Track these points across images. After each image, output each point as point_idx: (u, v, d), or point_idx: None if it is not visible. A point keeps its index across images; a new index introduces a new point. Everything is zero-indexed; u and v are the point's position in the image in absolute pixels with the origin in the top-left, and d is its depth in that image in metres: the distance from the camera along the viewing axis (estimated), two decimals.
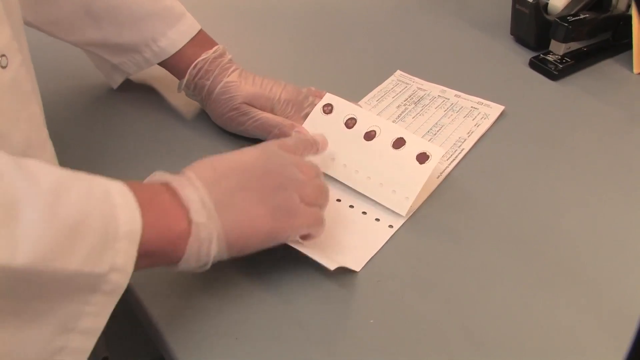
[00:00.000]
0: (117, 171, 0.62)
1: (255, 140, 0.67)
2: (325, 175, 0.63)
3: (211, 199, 0.47)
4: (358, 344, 0.49)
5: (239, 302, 0.51)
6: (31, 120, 0.50)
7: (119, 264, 0.41)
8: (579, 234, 0.60)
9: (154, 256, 0.44)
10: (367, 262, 0.56)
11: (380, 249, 0.57)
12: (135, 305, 0.53)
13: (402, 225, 0.59)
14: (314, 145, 0.60)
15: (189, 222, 0.46)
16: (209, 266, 0.48)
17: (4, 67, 0.46)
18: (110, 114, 0.73)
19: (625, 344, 0.48)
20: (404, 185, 0.61)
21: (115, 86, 0.75)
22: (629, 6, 0.86)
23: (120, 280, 0.41)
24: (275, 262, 0.54)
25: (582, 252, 0.58)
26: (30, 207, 0.37)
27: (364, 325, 0.50)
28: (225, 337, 0.49)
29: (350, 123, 0.65)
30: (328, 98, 0.67)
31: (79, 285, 0.39)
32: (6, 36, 0.46)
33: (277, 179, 0.52)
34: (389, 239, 0.58)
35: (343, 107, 0.66)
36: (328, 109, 0.67)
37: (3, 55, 0.46)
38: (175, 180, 0.48)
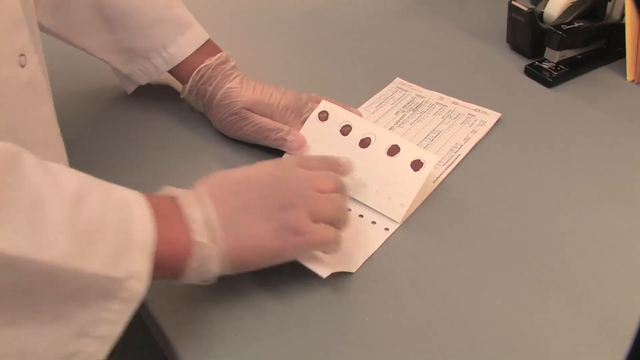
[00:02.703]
0: (120, 172, 0.66)
1: (255, 146, 0.69)
2: None
3: (217, 217, 0.49)
4: (355, 342, 0.51)
5: (240, 304, 0.53)
6: (44, 118, 0.52)
7: (136, 271, 0.42)
8: (573, 239, 0.62)
9: (160, 269, 0.45)
10: (364, 263, 0.57)
11: (376, 250, 0.59)
12: (141, 308, 0.55)
13: (398, 228, 0.61)
14: (338, 167, 0.59)
15: (191, 241, 0.47)
16: (212, 281, 0.49)
17: (22, 66, 0.48)
18: (119, 117, 0.76)
19: (621, 346, 0.50)
20: (399, 192, 0.62)
21: (129, 92, 0.78)
22: (622, 15, 0.88)
23: (138, 287, 0.43)
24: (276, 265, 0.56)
25: (576, 256, 0.60)
26: (54, 207, 0.39)
27: (360, 323, 0.52)
28: (227, 337, 0.51)
29: (345, 130, 0.67)
30: (323, 105, 0.69)
31: (98, 289, 0.41)
32: (25, 36, 0.48)
33: (286, 196, 0.52)
34: (390, 241, 0.60)
35: (338, 114, 0.68)
36: (324, 116, 0.69)
37: (22, 55, 0.48)
38: (182, 197, 0.49)
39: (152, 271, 0.44)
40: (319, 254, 0.54)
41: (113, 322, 0.43)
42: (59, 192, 0.40)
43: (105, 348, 0.43)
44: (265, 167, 0.54)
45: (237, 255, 0.49)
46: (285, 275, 0.55)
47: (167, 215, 0.48)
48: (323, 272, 0.53)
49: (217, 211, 0.49)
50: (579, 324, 0.53)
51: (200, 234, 0.48)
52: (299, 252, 0.52)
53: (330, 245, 0.54)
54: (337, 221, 0.54)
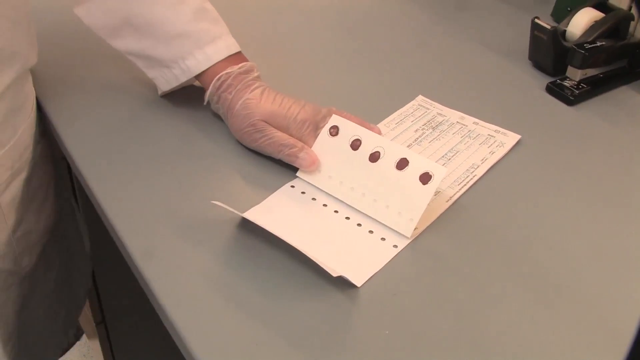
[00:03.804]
0: (142, 175, 0.70)
1: (273, 158, 0.72)
2: (334, 197, 0.68)
3: None
4: (376, 355, 0.53)
5: (258, 317, 0.56)
6: None
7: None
8: (591, 261, 0.63)
9: None
10: (383, 278, 0.59)
11: (388, 266, 0.61)
12: (159, 311, 0.58)
13: (408, 245, 0.63)
14: None
15: None
16: None
17: None
18: (146, 120, 0.79)
19: None
20: (408, 206, 0.64)
21: (160, 93, 0.82)
22: None
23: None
24: (292, 277, 0.59)
25: (596, 280, 0.61)
26: None
27: (380, 336, 0.54)
28: (245, 343, 0.53)
29: (355, 144, 0.69)
30: (334, 120, 0.71)
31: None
32: None
33: None
34: (397, 258, 0.62)
35: (348, 129, 0.70)
36: (334, 131, 0.71)
37: None
38: None
39: None
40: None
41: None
42: None
43: None
44: None
45: None
46: (301, 288, 0.58)
47: None
48: (333, 272, 0.55)
49: None
50: (591, 343, 0.55)
51: None
52: None
53: None
54: None
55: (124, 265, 0.76)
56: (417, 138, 0.78)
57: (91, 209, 1.01)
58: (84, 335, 1.56)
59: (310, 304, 0.57)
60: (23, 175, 0.79)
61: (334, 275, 0.56)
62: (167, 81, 0.78)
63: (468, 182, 0.72)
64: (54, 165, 0.90)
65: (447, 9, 1.09)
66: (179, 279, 0.59)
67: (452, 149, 0.77)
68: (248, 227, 0.64)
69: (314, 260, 0.57)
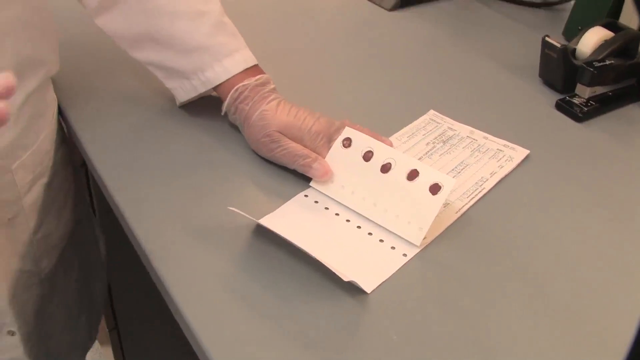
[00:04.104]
0: (157, 182, 0.72)
1: (288, 168, 0.74)
2: (346, 206, 0.70)
3: None
4: (376, 357, 0.55)
5: (267, 322, 0.58)
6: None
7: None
8: (595, 275, 0.64)
9: None
10: (393, 285, 0.61)
11: (397, 274, 0.63)
12: (177, 314, 0.60)
13: (417, 254, 0.65)
14: None
15: None
16: None
17: None
18: (163, 128, 0.82)
19: None
20: (418, 216, 0.66)
21: (178, 104, 0.84)
22: None
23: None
24: (304, 282, 0.61)
25: (601, 296, 0.62)
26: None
27: (384, 340, 0.56)
28: (258, 345, 0.55)
29: (367, 156, 0.71)
30: (347, 132, 0.73)
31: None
32: None
33: None
34: (406, 266, 0.64)
35: (361, 141, 0.72)
36: (347, 142, 0.73)
37: None
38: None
39: None
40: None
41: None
42: None
43: None
44: None
45: None
46: (313, 293, 0.60)
47: None
48: (345, 277, 0.58)
49: None
50: (593, 354, 0.56)
51: None
52: None
53: None
54: None
55: (138, 272, 0.78)
56: (428, 151, 0.80)
57: (107, 215, 1.04)
58: (96, 341, 1.58)
59: (321, 308, 0.59)
60: (44, 180, 0.81)
61: (345, 280, 0.58)
62: (185, 92, 0.80)
63: (477, 194, 0.73)
64: (73, 172, 0.93)
65: (460, 25, 1.12)
66: (196, 281, 0.61)
67: (461, 162, 0.79)
68: (262, 233, 0.66)
69: (326, 265, 0.59)
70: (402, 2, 1.14)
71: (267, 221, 0.66)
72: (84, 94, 0.87)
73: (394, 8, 1.14)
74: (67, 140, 0.89)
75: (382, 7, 1.14)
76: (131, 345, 1.34)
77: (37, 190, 0.80)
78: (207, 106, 0.83)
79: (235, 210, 0.64)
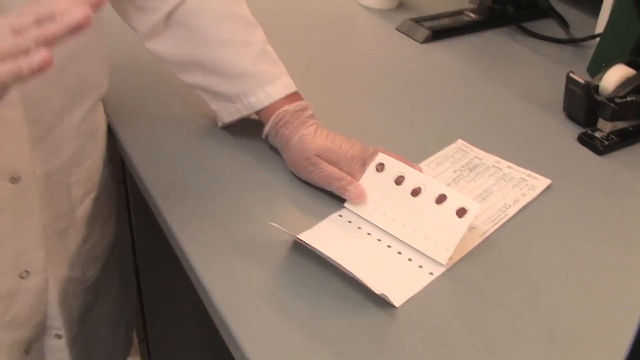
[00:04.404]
0: (198, 199, 0.78)
1: (324, 190, 0.79)
2: (378, 227, 0.75)
3: None
4: None
5: (307, 325, 0.62)
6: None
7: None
8: (612, 302, 0.68)
9: None
10: (419, 301, 0.66)
11: (424, 291, 0.67)
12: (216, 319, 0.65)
13: (443, 273, 0.70)
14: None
15: None
16: None
17: None
18: (205, 148, 0.88)
19: None
20: (444, 237, 0.71)
21: (220, 125, 0.90)
22: None
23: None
24: (337, 294, 0.66)
25: (613, 321, 0.66)
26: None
27: (410, 350, 0.60)
28: (295, 352, 0.60)
29: (399, 180, 0.76)
30: (380, 158, 0.78)
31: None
32: None
33: None
34: (433, 283, 0.68)
35: (393, 166, 0.77)
36: (380, 167, 0.78)
37: None
38: None
39: None
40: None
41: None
42: None
43: None
44: None
45: None
46: (346, 305, 0.64)
47: None
48: (377, 290, 0.62)
49: None
50: None
51: None
52: None
53: None
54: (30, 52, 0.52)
55: (171, 286, 0.83)
56: (455, 178, 0.85)
57: (142, 230, 1.10)
58: None
59: (353, 319, 0.64)
60: (93, 194, 0.87)
61: (377, 292, 0.62)
62: (229, 114, 0.86)
63: (500, 220, 0.78)
64: (116, 188, 0.99)
65: (488, 59, 1.16)
66: (238, 291, 0.66)
67: (486, 189, 0.83)
68: (299, 248, 0.71)
69: (359, 279, 0.64)
70: (434, 36, 1.19)
71: (305, 236, 0.71)
72: (133, 113, 0.93)
73: (425, 41, 1.19)
74: (112, 158, 0.95)
75: (415, 40, 1.19)
76: (160, 357, 1.39)
77: (88, 204, 0.86)
78: (247, 128, 0.89)
79: (276, 225, 0.69)
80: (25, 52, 0.50)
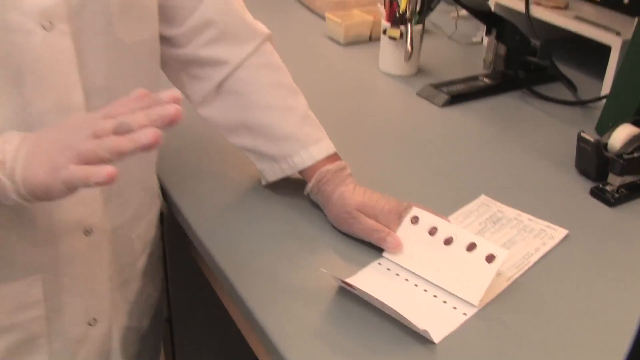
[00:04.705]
0: (248, 250, 0.87)
1: (362, 240, 0.87)
2: (414, 273, 0.83)
3: (15, 158, 0.63)
4: None
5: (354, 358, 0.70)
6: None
7: None
8: (624, 341, 0.75)
9: None
10: (447, 337, 0.74)
11: (458, 329, 0.75)
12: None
13: (475, 314, 0.77)
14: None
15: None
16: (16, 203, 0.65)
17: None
18: (252, 203, 0.97)
19: None
20: (476, 280, 0.79)
21: (264, 183, 0.98)
22: None
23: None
24: (381, 332, 0.73)
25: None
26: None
27: None
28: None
29: (432, 231, 0.84)
30: (415, 211, 0.87)
31: None
32: None
33: (67, 140, 0.62)
34: (466, 323, 0.76)
35: (426, 218, 0.85)
36: (415, 220, 0.86)
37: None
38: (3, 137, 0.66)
39: None
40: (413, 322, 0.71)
41: None
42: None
43: None
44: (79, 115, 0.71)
45: (29, 188, 0.63)
46: (389, 341, 0.72)
47: None
48: (421, 326, 0.70)
49: (24, 150, 0.63)
50: None
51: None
52: (65, 185, 0.61)
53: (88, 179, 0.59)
54: (101, 160, 0.60)
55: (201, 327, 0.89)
56: (481, 230, 0.93)
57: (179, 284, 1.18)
58: None
59: (397, 355, 0.72)
60: (149, 249, 0.96)
61: (420, 328, 0.70)
62: (274, 173, 0.95)
63: (524, 266, 0.86)
64: (165, 244, 1.08)
65: (504, 120, 1.26)
66: (292, 328, 0.74)
67: (510, 239, 0.91)
68: (345, 293, 0.79)
69: (403, 317, 0.71)
70: (452, 100, 1.29)
71: (352, 281, 0.79)
72: (183, 174, 1.02)
73: (445, 105, 1.29)
74: (162, 217, 1.04)
75: (435, 104, 1.29)
76: None
77: (145, 258, 0.95)
78: (288, 186, 0.98)
79: (326, 272, 0.78)
80: (100, 160, 0.59)
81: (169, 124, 0.59)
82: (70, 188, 0.60)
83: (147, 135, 0.57)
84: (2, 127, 0.68)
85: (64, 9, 0.69)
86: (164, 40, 0.88)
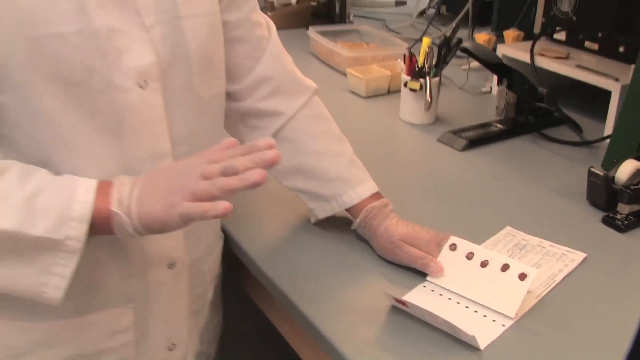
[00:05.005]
0: (311, 279, 0.98)
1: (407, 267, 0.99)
2: (456, 293, 0.94)
3: (131, 195, 0.75)
4: None
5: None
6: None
7: (72, 235, 0.73)
8: None
9: (95, 228, 0.75)
10: (489, 345, 0.85)
11: (498, 338, 0.86)
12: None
13: (511, 325, 0.89)
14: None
15: (110, 211, 0.75)
16: (135, 236, 0.76)
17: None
18: (301, 240, 1.08)
19: None
20: (511, 296, 0.90)
21: (313, 221, 1.10)
22: None
23: (76, 245, 0.73)
24: (432, 341, 0.85)
25: None
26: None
27: None
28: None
29: (469, 256, 0.96)
30: (452, 239, 0.99)
31: (47, 245, 0.73)
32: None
33: (180, 180, 0.74)
34: (504, 333, 0.87)
35: (463, 245, 0.98)
36: (453, 247, 0.98)
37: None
38: (119, 179, 0.77)
39: (88, 232, 0.73)
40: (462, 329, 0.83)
41: (64, 265, 0.74)
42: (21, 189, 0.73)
43: (64, 282, 0.75)
44: (183, 161, 0.79)
45: (145, 223, 0.74)
46: (439, 349, 0.84)
47: (107, 192, 0.75)
48: (469, 332, 0.82)
49: (137, 191, 0.75)
50: None
51: (116, 207, 0.75)
52: (181, 219, 0.73)
53: (205, 213, 0.72)
54: (214, 197, 0.71)
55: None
56: (509, 256, 1.04)
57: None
58: None
59: (447, 358, 0.83)
60: (215, 282, 1.08)
61: (470, 334, 0.82)
62: (324, 211, 1.07)
63: (550, 285, 0.98)
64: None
65: (518, 161, 1.39)
66: (357, 342, 0.86)
67: (535, 263, 1.03)
68: (396, 311, 0.91)
69: (453, 324, 0.83)
70: (470, 144, 1.42)
71: (405, 297, 0.91)
72: (239, 214, 1.15)
73: (464, 149, 1.42)
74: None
75: (454, 149, 1.42)
76: None
77: (212, 289, 1.06)
78: (334, 224, 1.10)
79: (389, 293, 0.89)
80: (212, 198, 0.71)
81: (269, 166, 0.71)
82: (186, 221, 0.72)
83: (255, 175, 0.70)
84: (109, 170, 0.80)
85: (156, 70, 0.81)
86: (226, 95, 1.00)
